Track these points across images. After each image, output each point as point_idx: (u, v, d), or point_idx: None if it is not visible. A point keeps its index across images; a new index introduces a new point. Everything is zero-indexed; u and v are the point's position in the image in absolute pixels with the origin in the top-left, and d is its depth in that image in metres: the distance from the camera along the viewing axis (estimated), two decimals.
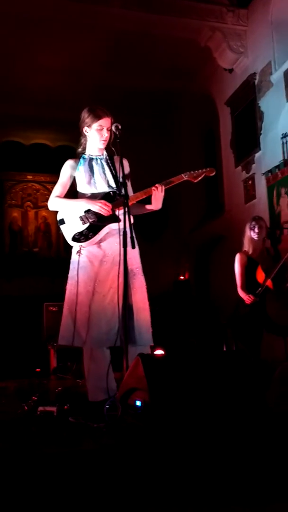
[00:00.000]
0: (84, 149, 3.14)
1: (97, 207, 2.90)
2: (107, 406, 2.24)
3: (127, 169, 3.07)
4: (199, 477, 1.70)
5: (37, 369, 5.22)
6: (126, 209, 2.72)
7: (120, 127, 2.97)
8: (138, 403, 2.21)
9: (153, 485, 1.64)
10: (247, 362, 2.43)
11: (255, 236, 4.13)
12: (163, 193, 2.96)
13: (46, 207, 9.47)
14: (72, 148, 10.44)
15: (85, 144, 3.12)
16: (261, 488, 1.59)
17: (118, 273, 2.75)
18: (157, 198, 2.97)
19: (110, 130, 3.00)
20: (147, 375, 2.17)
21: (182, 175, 3.05)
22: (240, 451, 1.90)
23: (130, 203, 2.85)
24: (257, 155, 6.02)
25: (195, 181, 3.07)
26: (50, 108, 7.82)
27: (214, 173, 3.13)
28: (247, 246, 4.18)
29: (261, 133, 5.91)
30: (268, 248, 4.25)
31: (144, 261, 3.16)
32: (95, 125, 2.99)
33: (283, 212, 5.41)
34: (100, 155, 3.11)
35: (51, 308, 5.53)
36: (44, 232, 8.61)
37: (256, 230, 4.11)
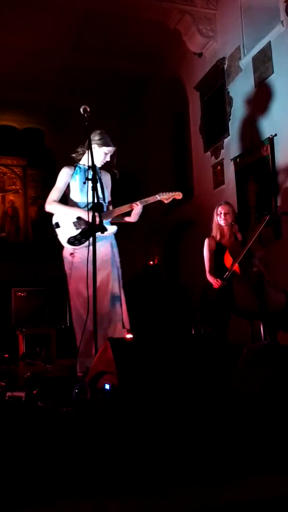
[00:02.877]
0: (81, 157, 3.61)
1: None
2: (76, 390, 2.26)
3: (109, 180, 3.69)
4: (167, 458, 1.74)
5: (6, 355, 5.18)
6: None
7: (88, 109, 2.96)
8: (107, 386, 2.23)
9: (121, 467, 1.67)
10: (214, 345, 2.48)
11: (222, 222, 4.20)
12: (141, 210, 3.56)
13: (13, 190, 9.22)
14: (40, 131, 10.16)
15: (83, 154, 3.59)
16: (226, 465, 1.64)
17: (88, 271, 3.16)
18: (136, 213, 3.58)
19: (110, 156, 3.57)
20: (116, 359, 2.18)
21: (156, 195, 3.58)
22: (207, 431, 1.94)
23: (115, 214, 3.52)
24: (225, 140, 6.05)
25: (166, 202, 3.62)
26: (17, 89, 7.62)
27: (181, 197, 3.67)
28: (214, 232, 4.24)
29: (230, 119, 5.94)
30: (236, 233, 4.31)
31: None
32: (105, 149, 3.54)
33: (250, 198, 5.49)
34: None
35: (19, 293, 5.48)
36: (11, 216, 8.44)
37: (222, 216, 4.18)
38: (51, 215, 3.57)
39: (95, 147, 3.50)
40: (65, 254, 3.57)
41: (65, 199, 3.63)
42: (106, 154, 3.56)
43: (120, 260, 3.66)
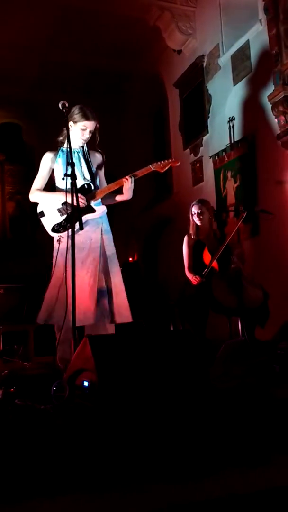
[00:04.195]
0: (64, 140, 3.22)
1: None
2: (54, 388, 2.24)
3: (100, 160, 3.36)
4: (146, 455, 1.74)
5: None
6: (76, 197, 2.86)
7: (67, 105, 2.95)
8: (86, 383, 2.23)
9: (100, 464, 1.67)
10: (192, 341, 2.50)
11: (198, 222, 4.25)
12: (133, 184, 3.18)
13: None
14: (18, 126, 10.02)
15: (66, 135, 3.17)
16: (203, 460, 1.65)
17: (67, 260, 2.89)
18: (127, 188, 3.19)
19: (92, 133, 3.24)
20: (94, 356, 2.18)
21: (150, 166, 3.22)
22: (185, 426, 1.96)
23: (103, 194, 3.21)
24: (205, 138, 6.08)
25: (162, 171, 3.26)
26: None
27: (178, 163, 3.33)
28: (191, 230, 4.28)
29: (209, 116, 5.97)
30: (215, 230, 4.35)
31: None
32: (80, 124, 3.20)
33: (229, 195, 5.53)
34: (77, 148, 3.29)
35: None
36: None
37: (196, 216, 4.22)
38: (31, 209, 3.35)
39: (71, 125, 3.19)
40: (54, 242, 3.30)
41: (53, 187, 3.36)
42: (83, 130, 3.21)
43: (113, 247, 3.36)
